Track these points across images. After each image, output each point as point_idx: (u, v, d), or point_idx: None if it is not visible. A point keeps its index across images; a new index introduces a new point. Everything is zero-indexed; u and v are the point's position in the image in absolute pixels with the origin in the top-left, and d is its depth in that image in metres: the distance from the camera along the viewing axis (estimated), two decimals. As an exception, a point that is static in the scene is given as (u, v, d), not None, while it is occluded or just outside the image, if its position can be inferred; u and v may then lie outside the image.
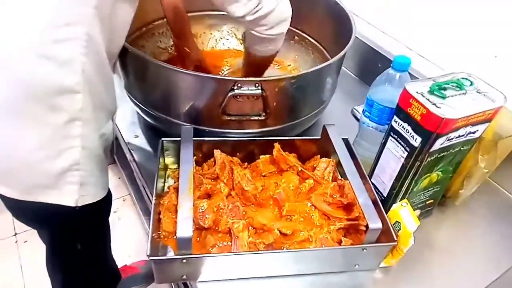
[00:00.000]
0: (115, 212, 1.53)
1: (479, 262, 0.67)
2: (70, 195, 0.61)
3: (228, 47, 1.07)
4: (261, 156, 0.70)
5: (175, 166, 0.71)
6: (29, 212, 0.66)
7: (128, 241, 1.39)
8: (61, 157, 0.57)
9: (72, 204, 0.61)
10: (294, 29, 1.00)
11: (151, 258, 0.53)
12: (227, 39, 1.08)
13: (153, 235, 0.56)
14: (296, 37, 1.01)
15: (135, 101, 0.76)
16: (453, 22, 0.82)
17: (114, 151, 0.85)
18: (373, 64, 0.97)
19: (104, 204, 0.72)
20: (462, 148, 0.60)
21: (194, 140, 0.64)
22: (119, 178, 1.60)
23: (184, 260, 0.53)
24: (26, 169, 0.58)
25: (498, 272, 0.65)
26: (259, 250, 0.58)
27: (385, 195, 0.65)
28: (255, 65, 0.78)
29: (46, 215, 0.64)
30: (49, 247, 0.79)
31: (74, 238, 0.74)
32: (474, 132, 0.57)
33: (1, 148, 0.56)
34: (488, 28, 0.76)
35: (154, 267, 0.55)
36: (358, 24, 1.02)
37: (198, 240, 0.60)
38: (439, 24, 0.85)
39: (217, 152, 0.67)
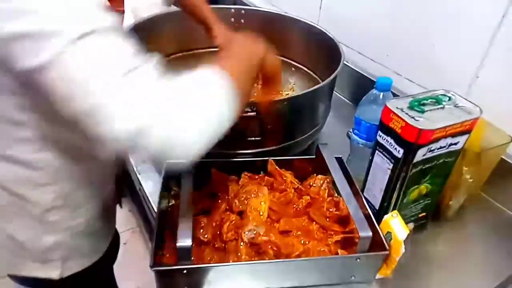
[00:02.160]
0: (124, 243, 1.55)
1: (476, 274, 0.68)
2: (54, 269, 0.63)
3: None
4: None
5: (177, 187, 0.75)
6: (19, 280, 0.68)
7: (137, 272, 1.40)
8: (42, 239, 0.61)
9: (56, 277, 0.63)
10: (290, 61, 1.07)
11: (153, 269, 0.56)
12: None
13: (156, 249, 0.60)
14: (293, 68, 1.08)
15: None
16: (436, 44, 0.88)
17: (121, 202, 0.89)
18: (365, 90, 1.02)
19: (102, 263, 0.72)
20: (446, 160, 0.63)
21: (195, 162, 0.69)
22: (129, 211, 1.64)
23: (185, 271, 0.56)
24: (9, 248, 0.61)
25: (494, 283, 0.66)
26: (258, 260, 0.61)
27: (377, 208, 0.68)
28: None
29: (35, 284, 0.66)
30: None
31: None
32: (455, 144, 0.61)
33: None
34: (470, 49, 0.81)
35: (156, 279, 0.58)
36: (351, 55, 1.10)
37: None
38: (422, 47, 0.91)
39: (213, 170, 0.71)
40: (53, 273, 0.63)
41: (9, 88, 0.47)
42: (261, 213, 0.64)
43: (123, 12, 1.47)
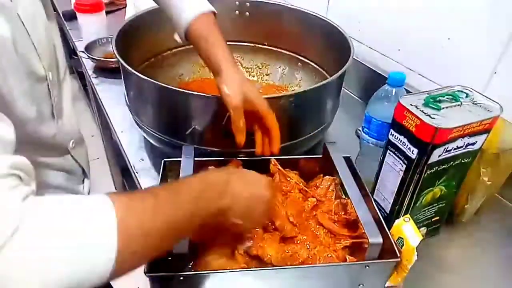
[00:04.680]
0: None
1: (490, 281, 0.64)
2: None
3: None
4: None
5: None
6: None
7: (137, 272, 1.38)
8: None
9: None
10: (297, 56, 1.03)
11: (147, 274, 0.52)
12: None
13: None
14: (299, 63, 1.04)
15: (140, 124, 0.79)
16: (452, 39, 0.83)
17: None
18: (375, 86, 0.98)
19: None
20: (463, 161, 0.59)
21: (195, 160, 0.65)
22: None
23: (182, 278, 0.53)
24: None
25: (510, 290, 0.62)
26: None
27: (388, 212, 0.64)
28: None
29: None
30: None
31: None
32: (473, 144, 0.57)
33: None
34: (487, 45, 0.77)
35: (151, 285, 0.55)
36: (361, 49, 1.06)
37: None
38: (437, 42, 0.86)
39: (211, 169, 0.68)
40: None
41: None
42: None
43: (124, 6, 1.44)
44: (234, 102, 0.60)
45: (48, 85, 0.56)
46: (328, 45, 0.93)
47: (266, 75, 1.09)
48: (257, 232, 0.60)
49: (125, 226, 0.36)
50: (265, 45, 1.06)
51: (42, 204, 0.34)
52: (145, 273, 0.52)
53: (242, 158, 0.70)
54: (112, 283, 0.92)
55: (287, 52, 1.04)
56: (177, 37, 0.71)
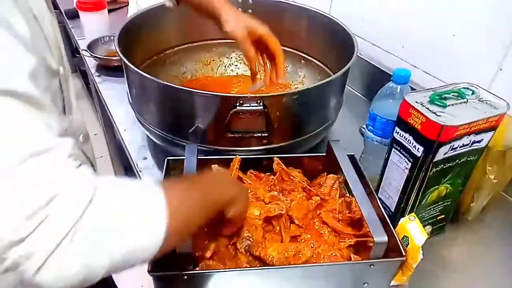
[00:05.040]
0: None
1: (495, 279, 0.63)
2: None
3: (237, 73, 1.10)
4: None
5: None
6: None
7: (140, 271, 1.38)
8: None
9: None
10: (300, 53, 1.03)
11: (151, 274, 0.52)
12: (236, 65, 1.11)
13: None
14: (302, 61, 1.03)
15: (143, 122, 0.78)
16: (456, 35, 0.82)
17: None
18: (379, 84, 0.97)
19: None
20: (468, 159, 0.58)
21: (198, 158, 0.65)
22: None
23: (186, 277, 0.53)
24: None
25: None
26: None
27: (392, 210, 0.64)
28: None
29: None
30: None
31: None
32: (479, 141, 0.56)
33: None
34: (492, 40, 0.76)
35: (155, 285, 0.54)
36: (365, 46, 1.05)
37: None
38: (441, 38, 0.86)
39: (214, 167, 0.67)
40: None
41: None
42: (256, 219, 0.60)
43: (126, 4, 1.44)
44: (240, 34, 0.69)
45: (59, 80, 0.57)
46: (332, 42, 0.92)
47: (269, 72, 1.08)
48: (257, 232, 0.59)
49: (172, 209, 0.40)
50: (268, 42, 1.05)
51: (106, 181, 0.38)
52: (148, 272, 0.52)
53: (244, 156, 0.70)
54: (116, 282, 0.93)
55: (290, 50, 1.03)
56: (169, 3, 0.77)
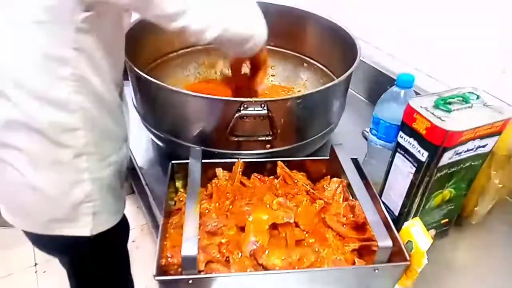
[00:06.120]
0: (133, 241, 1.53)
1: (499, 284, 0.63)
2: (85, 226, 0.64)
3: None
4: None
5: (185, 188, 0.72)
6: (49, 244, 0.71)
7: (146, 270, 1.38)
8: (73, 191, 0.61)
9: (88, 234, 0.65)
10: (302, 56, 1.03)
11: (156, 278, 0.52)
12: (239, 67, 1.11)
13: (161, 255, 0.56)
14: (305, 64, 1.03)
15: (148, 126, 0.79)
16: (459, 39, 0.83)
17: (128, 178, 0.87)
18: (382, 87, 0.98)
19: (119, 230, 0.74)
20: (473, 163, 0.58)
21: (203, 162, 0.65)
22: (138, 207, 1.61)
23: (190, 281, 0.53)
24: (42, 205, 0.61)
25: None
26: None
27: (396, 214, 0.64)
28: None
29: (64, 246, 0.68)
30: (70, 273, 0.82)
31: (92, 264, 0.77)
32: (483, 146, 0.56)
33: (18, 186, 0.59)
34: (495, 43, 0.76)
35: (160, 288, 0.54)
36: (368, 50, 1.05)
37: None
38: (444, 42, 0.86)
39: (219, 171, 0.67)
40: (85, 230, 0.64)
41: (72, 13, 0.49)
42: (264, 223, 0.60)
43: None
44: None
45: None
46: (334, 45, 0.92)
47: (272, 75, 1.08)
48: (263, 237, 0.59)
49: None
50: (270, 45, 1.05)
51: None
52: (154, 276, 0.52)
53: (248, 160, 0.70)
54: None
55: (293, 53, 1.03)
56: None
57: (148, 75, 0.69)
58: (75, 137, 0.58)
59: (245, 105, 0.64)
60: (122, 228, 0.75)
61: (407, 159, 0.58)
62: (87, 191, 0.62)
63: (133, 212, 1.60)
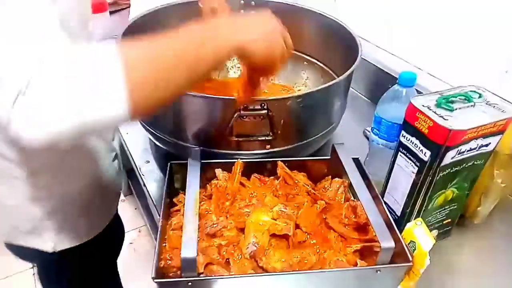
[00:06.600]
0: (131, 243, 1.53)
1: (502, 285, 0.63)
2: (47, 241, 0.62)
3: (239, 75, 1.10)
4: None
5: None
6: (15, 250, 0.69)
7: (144, 273, 1.38)
8: (31, 207, 0.59)
9: (50, 250, 0.63)
10: (303, 55, 1.02)
11: (155, 280, 0.52)
12: (238, 67, 1.10)
13: (160, 257, 0.56)
14: (305, 62, 1.02)
15: (146, 126, 0.78)
16: (461, 37, 0.82)
17: (122, 189, 0.86)
18: (383, 86, 0.97)
19: (99, 246, 0.70)
20: (475, 163, 0.57)
21: (202, 162, 0.64)
22: (136, 208, 1.61)
23: (190, 283, 0.52)
24: (2, 214, 0.60)
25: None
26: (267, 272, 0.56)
27: (398, 214, 0.63)
28: None
29: (30, 255, 0.67)
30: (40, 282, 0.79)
31: (60, 277, 0.73)
32: (486, 145, 0.56)
33: None
34: (498, 42, 0.75)
35: (159, 291, 0.54)
36: (369, 48, 1.04)
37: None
38: (446, 41, 0.85)
39: (218, 172, 0.67)
40: (47, 244, 0.62)
41: None
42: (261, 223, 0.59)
43: (129, 6, 1.43)
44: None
45: None
46: (335, 44, 0.91)
47: (272, 74, 1.08)
48: (263, 238, 0.58)
49: (126, 56, 0.36)
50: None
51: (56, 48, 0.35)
52: (153, 279, 0.51)
53: (248, 160, 0.70)
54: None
55: (293, 51, 1.03)
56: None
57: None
58: (29, 155, 0.54)
59: (245, 105, 0.63)
60: (105, 243, 0.72)
61: (409, 158, 0.57)
62: (48, 208, 0.60)
63: (131, 213, 1.59)
